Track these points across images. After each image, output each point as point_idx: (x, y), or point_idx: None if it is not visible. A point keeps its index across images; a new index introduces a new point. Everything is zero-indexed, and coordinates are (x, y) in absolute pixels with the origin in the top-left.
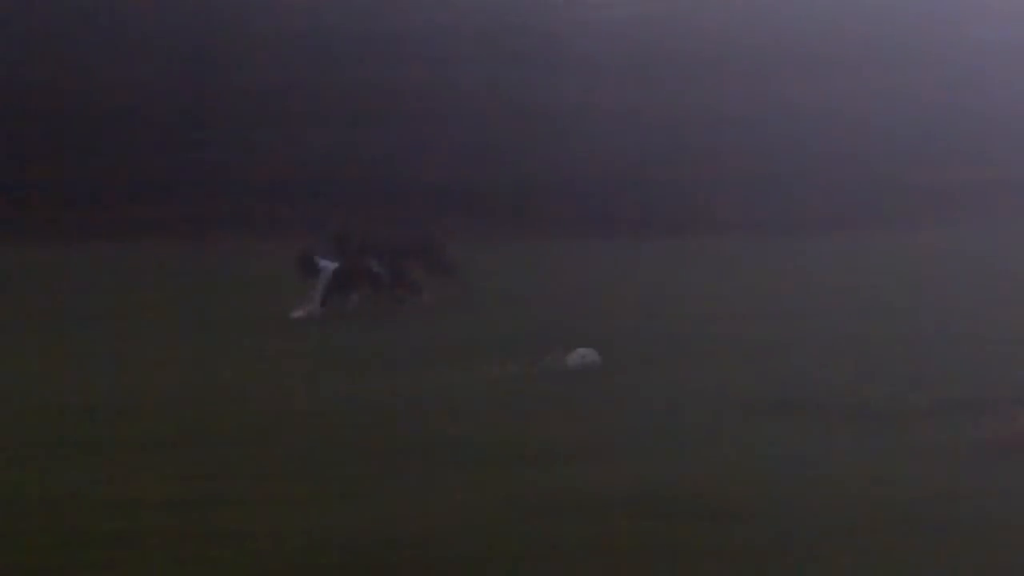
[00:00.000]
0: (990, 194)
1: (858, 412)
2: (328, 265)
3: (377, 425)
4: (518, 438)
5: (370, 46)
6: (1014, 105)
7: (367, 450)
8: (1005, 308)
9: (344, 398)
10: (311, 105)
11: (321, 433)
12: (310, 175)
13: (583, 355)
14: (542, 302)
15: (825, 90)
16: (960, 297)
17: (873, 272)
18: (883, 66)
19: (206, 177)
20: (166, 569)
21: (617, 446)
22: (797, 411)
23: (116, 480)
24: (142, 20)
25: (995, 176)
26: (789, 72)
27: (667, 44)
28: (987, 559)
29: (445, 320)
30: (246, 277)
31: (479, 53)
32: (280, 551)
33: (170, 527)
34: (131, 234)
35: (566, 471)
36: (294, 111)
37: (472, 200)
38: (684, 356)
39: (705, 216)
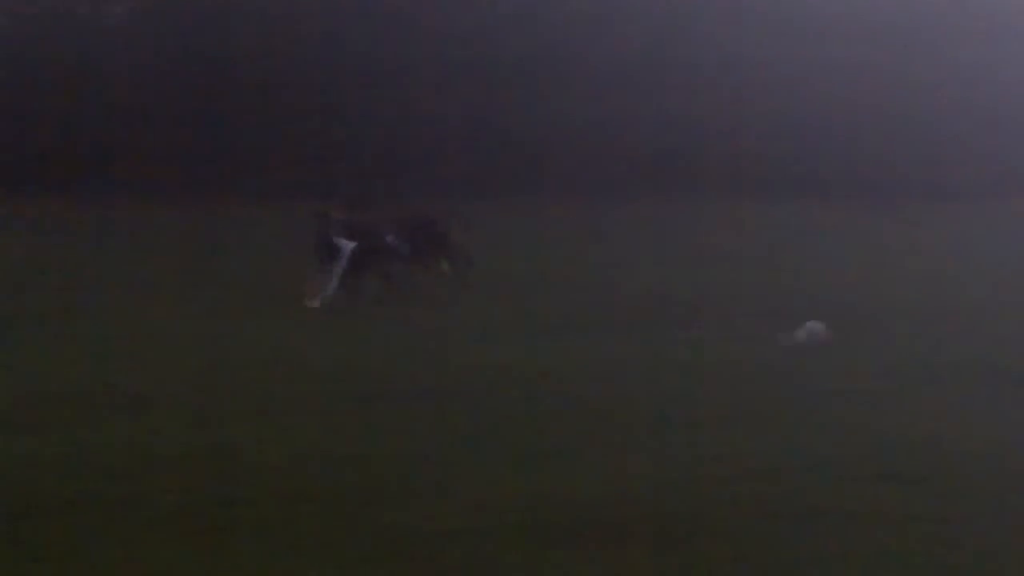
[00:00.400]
0: None
1: None
2: (347, 244)
3: (578, 390)
4: (726, 403)
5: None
6: None
7: (577, 414)
8: None
9: (556, 363)
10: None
11: (538, 396)
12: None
13: (812, 329)
14: (756, 266)
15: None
16: None
17: None
18: None
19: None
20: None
21: (838, 411)
22: None
23: (344, 436)
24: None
25: None
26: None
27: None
28: None
29: (636, 283)
30: None
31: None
32: (481, 511)
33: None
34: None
35: (783, 434)
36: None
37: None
38: (910, 322)
39: (902, 181)
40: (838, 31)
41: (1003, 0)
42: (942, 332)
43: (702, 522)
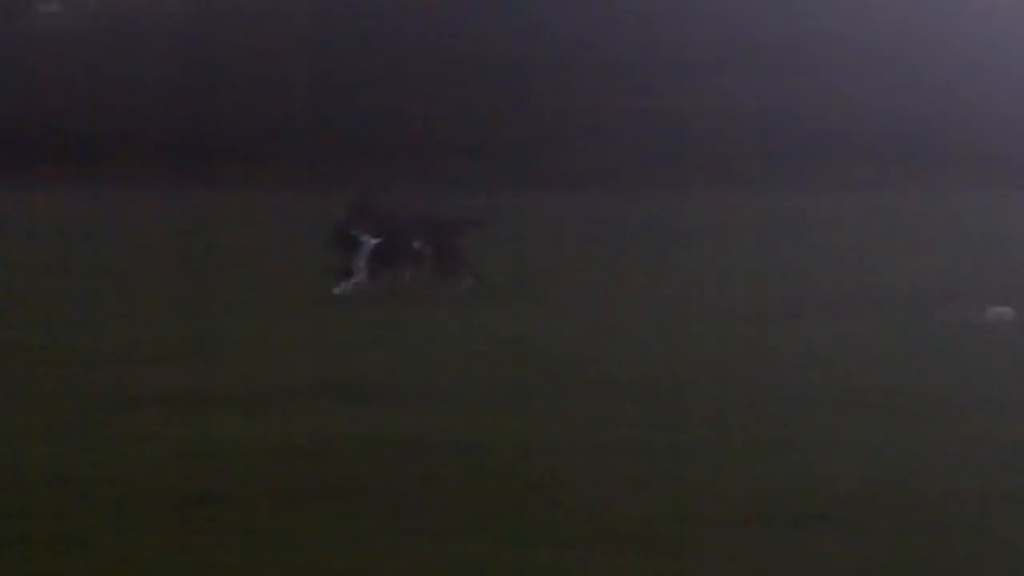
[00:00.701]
0: None
1: None
2: (369, 240)
3: (790, 374)
4: (925, 389)
5: None
6: None
7: (782, 400)
8: None
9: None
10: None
11: (738, 383)
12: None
13: (1000, 313)
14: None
15: None
16: None
17: None
18: None
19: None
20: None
21: None
22: None
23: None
24: None
25: None
26: None
27: None
28: None
29: (828, 273)
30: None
31: None
32: (711, 498)
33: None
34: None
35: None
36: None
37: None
38: None
39: None
40: None
41: None
42: None
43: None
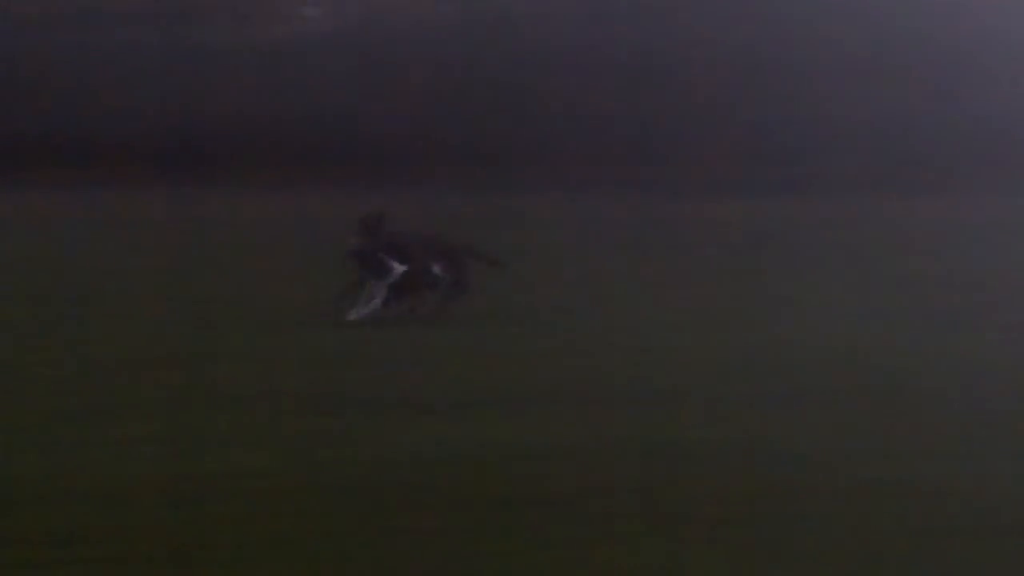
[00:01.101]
0: None
1: None
2: (397, 267)
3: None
4: None
5: None
6: None
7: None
8: None
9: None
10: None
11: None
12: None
13: None
14: None
15: None
16: None
17: None
18: None
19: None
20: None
21: None
22: None
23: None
24: None
25: None
26: None
27: None
28: None
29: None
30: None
31: None
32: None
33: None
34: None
35: None
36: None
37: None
38: None
39: None
40: None
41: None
42: None
43: None
